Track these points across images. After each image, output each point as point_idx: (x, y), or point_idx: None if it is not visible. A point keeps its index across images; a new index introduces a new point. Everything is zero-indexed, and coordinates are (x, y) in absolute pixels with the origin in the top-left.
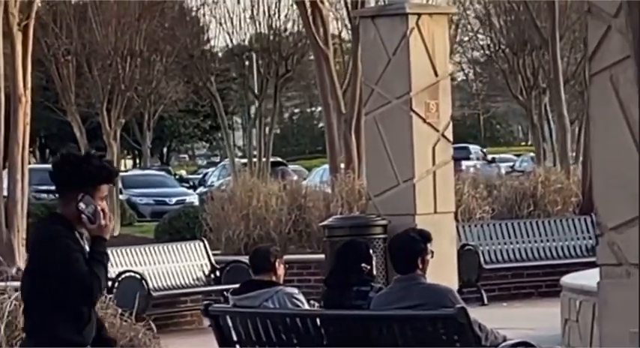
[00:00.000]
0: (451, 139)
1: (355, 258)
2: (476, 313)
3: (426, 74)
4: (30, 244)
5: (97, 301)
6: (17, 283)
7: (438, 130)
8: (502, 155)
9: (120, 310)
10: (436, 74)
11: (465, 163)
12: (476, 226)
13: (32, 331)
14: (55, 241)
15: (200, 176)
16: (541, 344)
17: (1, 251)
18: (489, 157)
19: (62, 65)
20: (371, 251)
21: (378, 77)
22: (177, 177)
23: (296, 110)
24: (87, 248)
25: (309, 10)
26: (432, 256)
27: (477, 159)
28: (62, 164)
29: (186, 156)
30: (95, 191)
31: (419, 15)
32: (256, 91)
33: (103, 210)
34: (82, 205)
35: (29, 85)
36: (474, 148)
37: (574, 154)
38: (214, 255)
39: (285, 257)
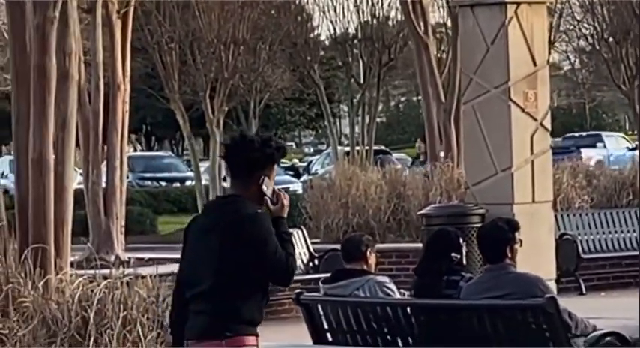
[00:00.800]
0: (549, 128)
1: (445, 247)
2: (574, 303)
3: (524, 63)
4: (213, 225)
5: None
6: (106, 271)
7: (536, 120)
8: None
9: None
10: (535, 63)
11: (585, 152)
12: (574, 215)
13: (214, 311)
14: (259, 225)
15: (305, 164)
16: (637, 334)
17: (100, 239)
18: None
19: (165, 53)
20: (461, 240)
21: (476, 66)
22: (290, 164)
23: (402, 98)
24: None
25: None
26: (521, 245)
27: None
28: (244, 147)
29: (293, 144)
30: (271, 172)
31: (518, 4)
32: (361, 79)
33: (279, 190)
34: (264, 188)
35: (128, 72)
36: (612, 135)
37: None
38: (313, 243)
39: (384, 246)
